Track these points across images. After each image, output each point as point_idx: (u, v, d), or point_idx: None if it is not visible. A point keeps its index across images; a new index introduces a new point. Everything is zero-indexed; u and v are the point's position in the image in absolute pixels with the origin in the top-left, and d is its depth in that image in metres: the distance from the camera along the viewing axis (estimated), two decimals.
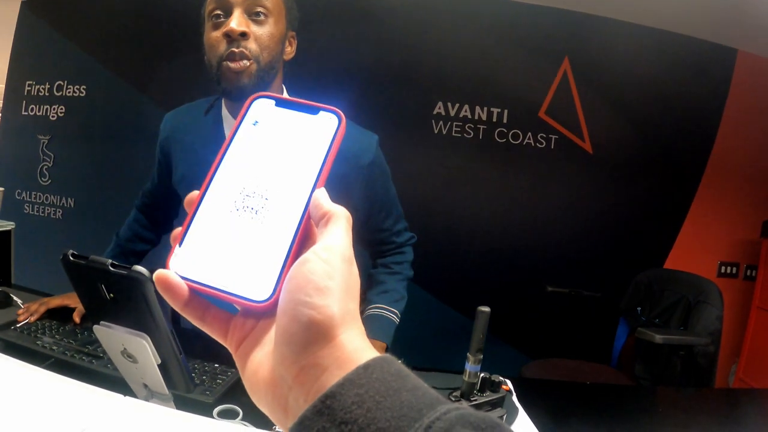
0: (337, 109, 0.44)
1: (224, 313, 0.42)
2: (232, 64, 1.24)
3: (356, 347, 0.36)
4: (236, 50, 1.23)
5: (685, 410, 1.51)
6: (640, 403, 1.53)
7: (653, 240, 3.33)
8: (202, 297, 0.40)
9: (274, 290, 0.38)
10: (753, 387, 3.13)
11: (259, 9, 1.25)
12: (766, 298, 3.21)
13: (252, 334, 0.41)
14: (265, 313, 0.40)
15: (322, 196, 0.41)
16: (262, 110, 0.45)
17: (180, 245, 0.40)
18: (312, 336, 0.36)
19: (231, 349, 0.41)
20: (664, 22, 3.09)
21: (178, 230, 0.41)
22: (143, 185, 1.76)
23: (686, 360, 2.24)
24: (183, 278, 0.39)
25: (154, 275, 0.39)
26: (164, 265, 0.40)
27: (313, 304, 0.36)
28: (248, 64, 1.25)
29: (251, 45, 1.25)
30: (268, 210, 0.41)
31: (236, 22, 1.22)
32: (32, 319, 1.40)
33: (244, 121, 0.44)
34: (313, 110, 0.44)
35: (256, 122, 0.44)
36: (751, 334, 3.29)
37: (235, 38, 1.23)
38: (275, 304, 0.38)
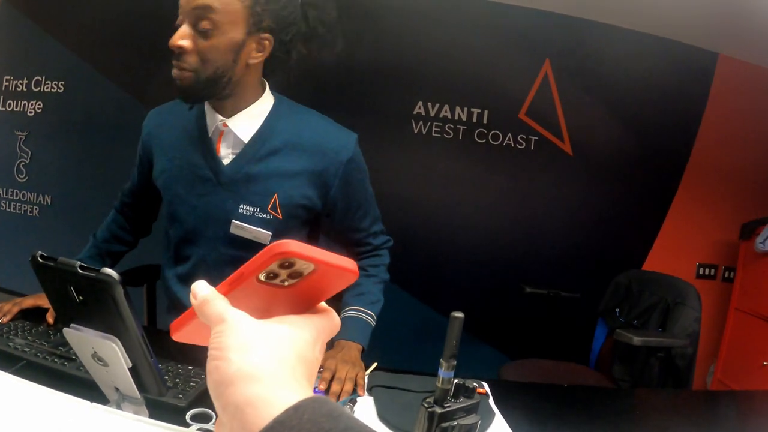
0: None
1: None
2: (173, 71, 1.28)
3: (264, 386, 0.36)
4: (175, 62, 1.27)
5: (663, 412, 1.51)
6: (618, 404, 1.53)
7: (632, 241, 3.36)
8: None
9: None
10: (731, 388, 3.17)
11: (203, 24, 1.24)
12: (744, 300, 3.25)
13: None
14: None
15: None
16: None
17: None
18: (220, 379, 0.37)
19: None
20: (645, 25, 3.11)
21: None
22: (122, 184, 1.74)
23: (664, 361, 2.25)
24: None
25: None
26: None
27: (217, 356, 0.38)
28: (185, 74, 1.27)
29: (190, 59, 1.26)
30: None
31: (178, 35, 1.24)
32: (5, 319, 1.38)
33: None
34: None
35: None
36: (729, 335, 3.33)
37: (175, 51, 1.25)
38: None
